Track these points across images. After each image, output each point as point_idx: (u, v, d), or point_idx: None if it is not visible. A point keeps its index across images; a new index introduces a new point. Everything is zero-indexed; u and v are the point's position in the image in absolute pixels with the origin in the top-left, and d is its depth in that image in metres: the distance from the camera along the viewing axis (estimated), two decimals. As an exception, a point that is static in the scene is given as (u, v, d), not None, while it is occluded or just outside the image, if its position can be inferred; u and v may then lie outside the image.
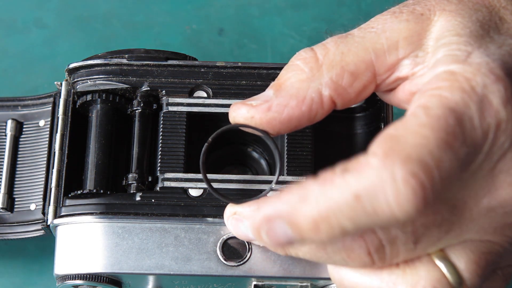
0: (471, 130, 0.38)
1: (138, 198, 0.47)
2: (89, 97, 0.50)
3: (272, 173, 0.51)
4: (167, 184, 0.48)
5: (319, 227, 0.37)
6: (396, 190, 0.36)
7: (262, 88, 0.50)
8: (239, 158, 0.53)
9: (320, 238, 0.38)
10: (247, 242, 0.47)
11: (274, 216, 0.39)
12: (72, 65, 0.51)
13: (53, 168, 0.50)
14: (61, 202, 0.48)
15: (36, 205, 0.50)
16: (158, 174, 0.48)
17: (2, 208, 0.50)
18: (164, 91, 0.50)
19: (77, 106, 0.51)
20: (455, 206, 0.40)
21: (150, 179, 0.48)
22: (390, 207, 0.36)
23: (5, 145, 0.52)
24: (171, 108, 0.50)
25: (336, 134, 0.51)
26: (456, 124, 0.37)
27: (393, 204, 0.36)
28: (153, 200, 0.47)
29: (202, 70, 0.50)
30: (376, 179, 0.36)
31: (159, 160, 0.48)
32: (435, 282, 0.41)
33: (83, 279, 0.47)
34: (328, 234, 0.37)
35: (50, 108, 0.52)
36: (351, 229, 0.37)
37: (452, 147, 0.37)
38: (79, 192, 0.48)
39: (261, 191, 0.48)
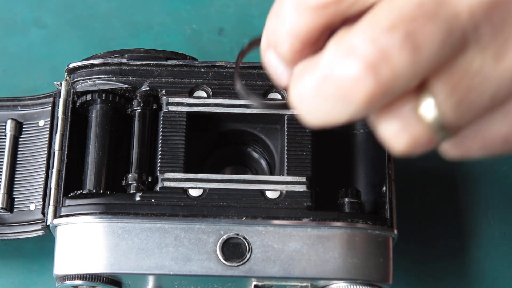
0: None
1: (138, 198, 0.47)
2: (88, 97, 0.50)
3: (272, 173, 0.51)
4: (167, 184, 0.48)
5: None
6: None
7: (262, 88, 0.50)
8: (239, 158, 0.53)
9: None
10: (247, 242, 0.47)
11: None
12: (71, 65, 0.51)
13: (52, 168, 0.50)
14: (61, 202, 0.48)
15: (36, 205, 0.50)
16: (158, 174, 0.48)
17: (1, 208, 0.50)
18: (164, 91, 0.50)
19: (76, 106, 0.51)
20: None
21: (150, 179, 0.48)
22: None
23: (4, 145, 0.52)
24: (171, 108, 0.49)
25: (336, 134, 0.51)
26: None
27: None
28: (153, 200, 0.47)
29: (202, 70, 0.50)
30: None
31: (159, 160, 0.48)
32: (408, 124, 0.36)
33: (82, 279, 0.47)
34: None
35: (50, 108, 0.52)
36: None
37: None
38: (79, 192, 0.48)
39: (261, 191, 0.48)
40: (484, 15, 0.33)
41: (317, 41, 0.37)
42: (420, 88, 0.35)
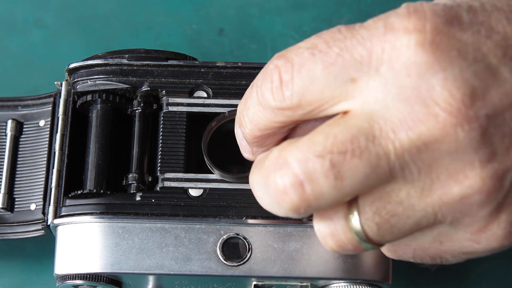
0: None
1: (138, 198, 0.48)
2: (89, 97, 0.50)
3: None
4: (167, 184, 0.48)
5: None
6: None
7: (262, 88, 0.50)
8: (239, 158, 0.53)
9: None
10: (247, 242, 0.47)
11: None
12: (72, 65, 0.51)
13: (53, 168, 0.50)
14: (61, 202, 0.48)
15: (36, 205, 0.50)
16: (158, 174, 0.48)
17: (2, 208, 0.50)
18: (164, 91, 0.50)
19: (77, 106, 0.51)
20: None
21: (150, 179, 0.48)
22: None
23: (5, 145, 0.52)
24: (171, 108, 0.50)
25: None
26: None
27: None
28: (153, 200, 0.47)
29: (202, 70, 0.50)
30: None
31: (159, 160, 0.48)
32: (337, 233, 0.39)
33: (83, 279, 0.47)
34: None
35: (50, 108, 0.52)
36: None
37: None
38: (79, 192, 0.48)
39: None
40: (412, 158, 0.36)
41: (276, 134, 0.41)
42: (351, 201, 0.38)
